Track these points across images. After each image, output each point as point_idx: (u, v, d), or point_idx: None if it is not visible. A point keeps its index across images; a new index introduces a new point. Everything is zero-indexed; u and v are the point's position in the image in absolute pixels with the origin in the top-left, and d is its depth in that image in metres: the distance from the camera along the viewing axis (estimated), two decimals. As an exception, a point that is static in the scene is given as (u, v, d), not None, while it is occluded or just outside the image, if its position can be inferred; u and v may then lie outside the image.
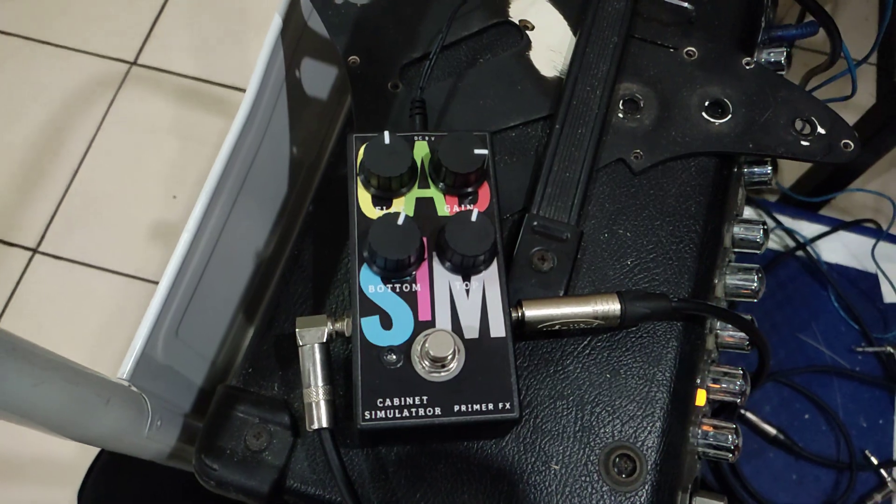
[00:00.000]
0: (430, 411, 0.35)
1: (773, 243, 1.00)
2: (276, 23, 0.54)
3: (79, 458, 0.99)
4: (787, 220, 1.01)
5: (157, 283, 1.19)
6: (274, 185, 0.63)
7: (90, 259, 1.15)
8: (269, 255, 0.64)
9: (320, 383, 0.37)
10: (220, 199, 0.52)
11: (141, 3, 1.32)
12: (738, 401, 0.45)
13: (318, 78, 0.65)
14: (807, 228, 1.00)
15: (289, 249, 0.45)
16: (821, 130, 0.46)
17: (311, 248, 0.44)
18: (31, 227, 1.16)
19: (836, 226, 0.99)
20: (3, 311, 1.11)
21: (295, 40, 0.57)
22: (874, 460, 0.86)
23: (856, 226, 0.99)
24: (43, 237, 1.16)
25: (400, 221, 0.35)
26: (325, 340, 0.38)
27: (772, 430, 0.88)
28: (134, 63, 1.28)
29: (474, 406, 0.35)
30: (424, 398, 0.35)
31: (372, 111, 0.47)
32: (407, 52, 0.48)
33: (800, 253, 0.99)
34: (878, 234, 0.97)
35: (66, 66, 1.27)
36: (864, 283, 0.97)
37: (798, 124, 0.47)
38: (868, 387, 0.91)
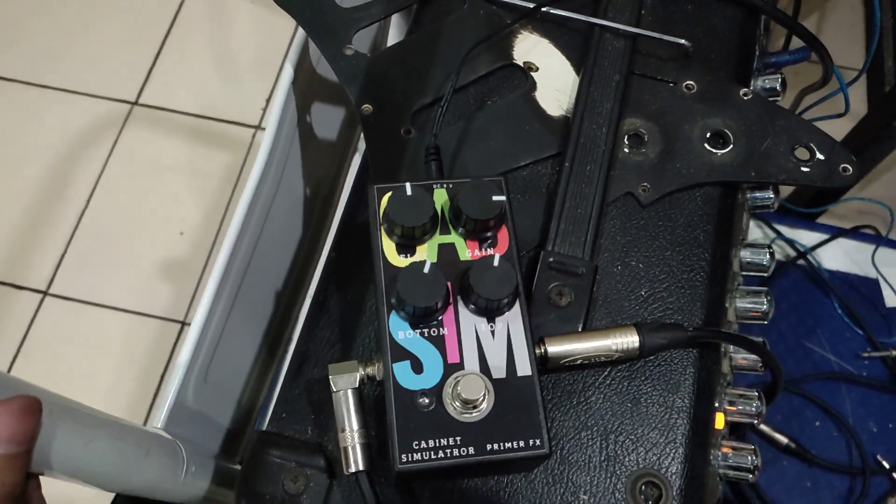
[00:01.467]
0: (463, 451, 0.36)
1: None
2: (287, 72, 0.56)
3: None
4: (786, 230, 1.03)
5: (168, 319, 1.20)
6: (291, 226, 0.64)
7: (100, 299, 1.16)
8: (289, 293, 0.66)
9: (355, 427, 0.39)
10: (242, 246, 0.53)
11: (139, 43, 1.34)
12: (755, 422, 0.46)
13: (328, 118, 0.67)
14: (806, 237, 1.02)
15: (313, 295, 0.47)
16: (819, 156, 0.48)
17: (335, 293, 0.46)
18: (40, 269, 1.18)
19: (836, 233, 1.01)
20: (16, 354, 1.12)
21: (305, 85, 0.59)
22: (886, 464, 0.87)
23: (854, 232, 1.01)
24: (52, 279, 1.17)
25: (426, 270, 0.37)
26: (357, 385, 0.39)
27: (783, 439, 0.89)
28: (135, 103, 1.30)
29: (506, 444, 0.36)
30: (458, 439, 0.36)
31: (386, 157, 0.49)
32: (418, 99, 0.50)
33: (801, 262, 1.00)
34: (878, 239, 0.99)
35: (68, 108, 1.29)
36: (865, 289, 0.98)
37: (797, 151, 0.49)
38: (876, 391, 0.92)
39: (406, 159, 0.48)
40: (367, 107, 0.50)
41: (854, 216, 1.16)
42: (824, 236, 1.01)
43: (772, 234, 1.02)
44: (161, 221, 1.21)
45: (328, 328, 0.45)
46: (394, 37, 0.65)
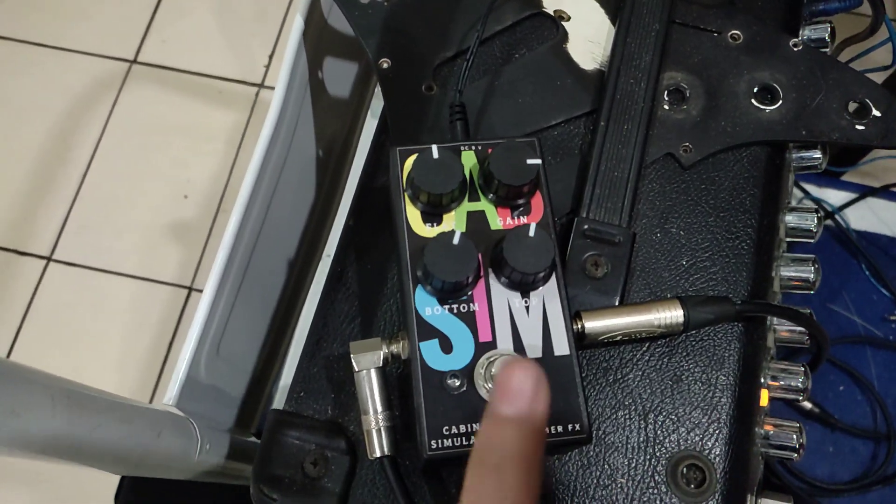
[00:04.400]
0: (498, 436, 0.33)
1: (800, 214, 0.98)
2: (297, 24, 0.52)
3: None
4: (813, 189, 0.99)
5: (174, 285, 1.17)
6: (303, 189, 0.61)
7: (105, 264, 1.13)
8: (302, 259, 0.63)
9: (379, 409, 0.36)
10: (252, 211, 0.50)
11: (136, -2, 1.29)
12: (800, 398, 0.43)
13: (340, 74, 0.63)
14: (834, 196, 0.98)
15: (330, 265, 0.44)
16: (876, 113, 0.44)
17: (353, 263, 0.43)
18: (43, 235, 1.15)
19: (864, 192, 0.97)
20: (22, 321, 1.11)
21: (316, 39, 0.55)
22: (912, 430, 0.85)
23: (884, 191, 0.97)
24: (56, 244, 1.15)
25: (455, 241, 0.34)
26: (381, 365, 0.36)
27: (806, 404, 0.87)
28: (134, 61, 1.25)
29: (543, 428, 0.33)
30: (491, 423, 0.33)
31: (407, 116, 0.45)
32: (440, 52, 0.46)
33: (828, 222, 0.97)
34: (909, 199, 0.95)
35: (65, 68, 1.25)
36: (895, 250, 0.95)
37: (851, 107, 0.45)
38: (903, 356, 0.90)
39: (428, 118, 0.45)
40: (385, 61, 0.46)
41: (881, 173, 1.12)
42: (852, 195, 0.97)
43: (798, 194, 0.98)
44: (165, 184, 1.18)
45: (347, 301, 0.42)
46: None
